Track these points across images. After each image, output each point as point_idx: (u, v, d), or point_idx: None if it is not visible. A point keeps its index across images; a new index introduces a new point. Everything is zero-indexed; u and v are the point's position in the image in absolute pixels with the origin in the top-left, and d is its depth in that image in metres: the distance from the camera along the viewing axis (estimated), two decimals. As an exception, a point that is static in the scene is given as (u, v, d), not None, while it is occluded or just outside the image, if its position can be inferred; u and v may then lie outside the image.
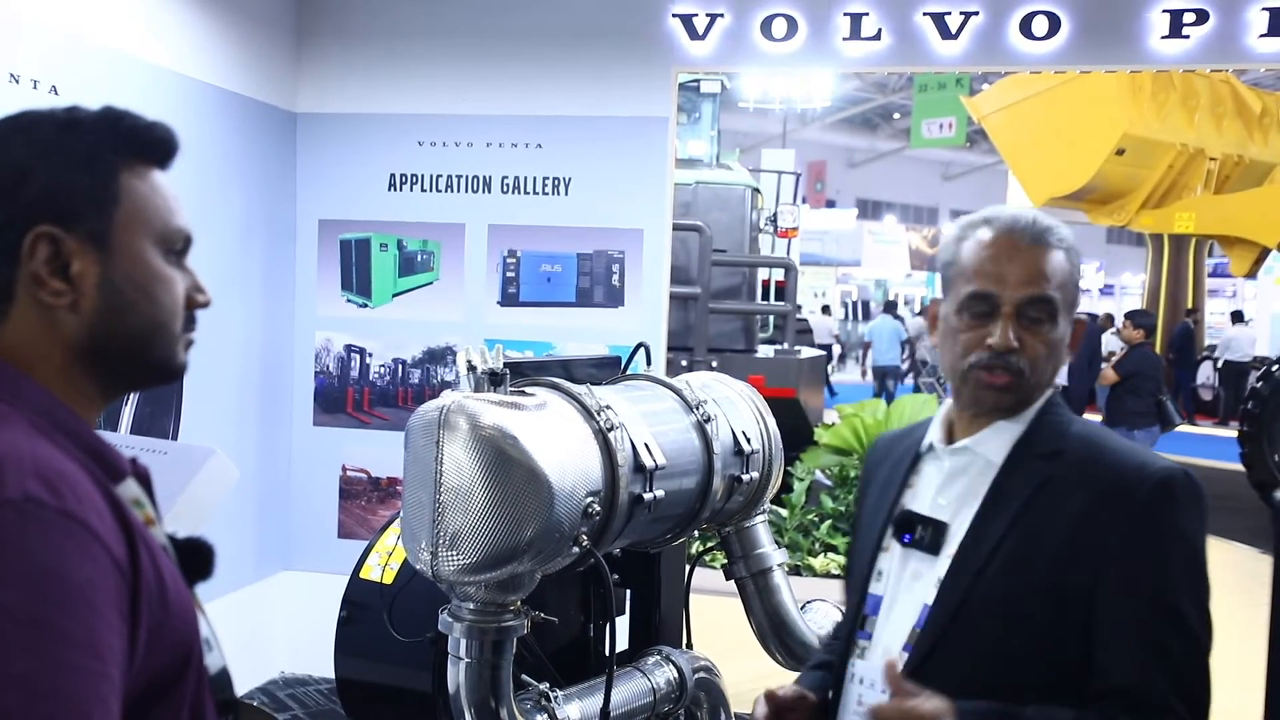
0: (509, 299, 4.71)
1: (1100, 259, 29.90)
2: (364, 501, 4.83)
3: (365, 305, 4.77)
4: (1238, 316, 18.01)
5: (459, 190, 4.70)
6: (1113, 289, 29.17)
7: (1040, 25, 4.34)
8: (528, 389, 2.06)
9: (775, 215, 7.44)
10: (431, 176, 4.71)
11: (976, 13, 4.38)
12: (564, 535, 1.90)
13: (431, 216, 4.71)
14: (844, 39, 4.48)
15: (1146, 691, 1.35)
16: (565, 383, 2.08)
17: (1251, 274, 11.13)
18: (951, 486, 1.56)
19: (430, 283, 4.74)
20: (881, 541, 1.61)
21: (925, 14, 4.41)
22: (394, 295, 4.75)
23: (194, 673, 1.01)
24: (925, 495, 1.59)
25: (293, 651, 4.76)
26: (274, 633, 4.71)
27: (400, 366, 4.76)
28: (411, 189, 4.72)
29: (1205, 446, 12.76)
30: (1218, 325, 20.36)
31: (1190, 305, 16.34)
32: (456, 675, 2.00)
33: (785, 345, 6.85)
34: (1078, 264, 1.55)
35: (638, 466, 2.04)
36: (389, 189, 4.71)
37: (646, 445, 2.07)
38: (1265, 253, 10.39)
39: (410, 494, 1.94)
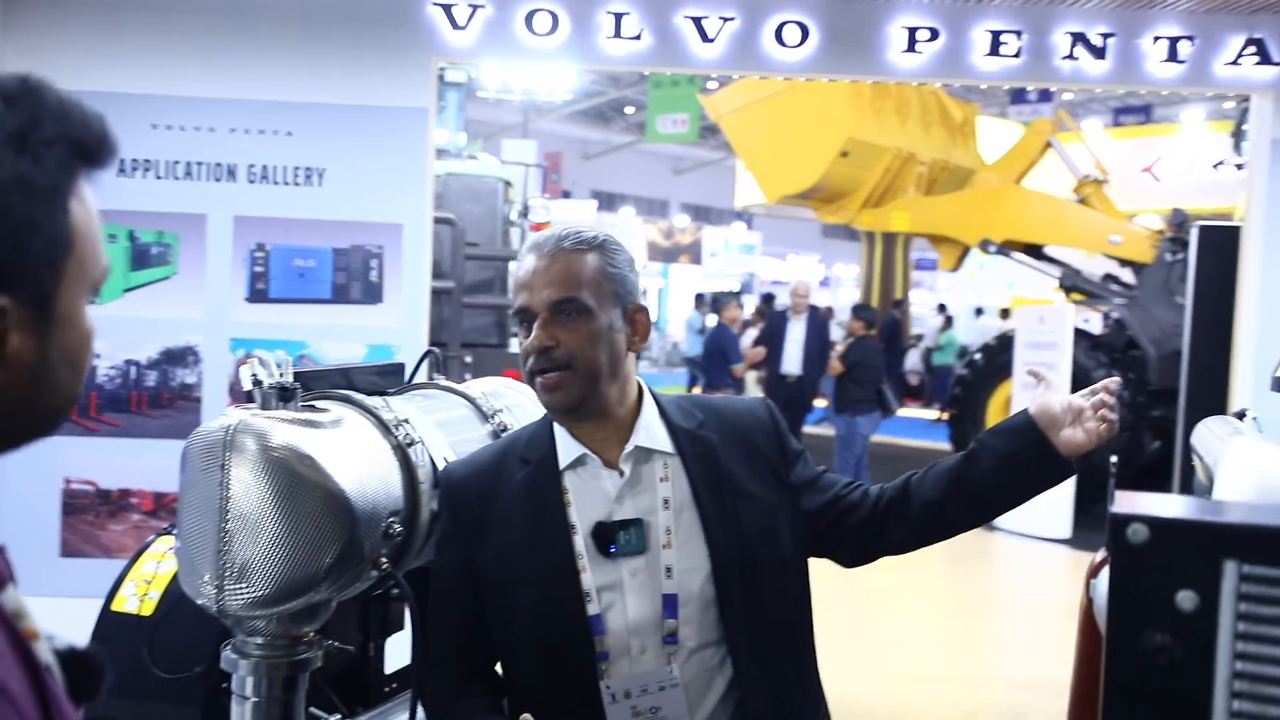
0: (257, 295, 4.43)
1: (819, 252, 31.75)
2: (92, 516, 4.41)
3: (91, 302, 4.34)
4: (941, 308, 19.63)
5: (199, 178, 4.37)
6: (829, 280, 31.04)
7: (792, 34, 4.52)
8: (318, 403, 1.92)
9: (527, 208, 7.40)
10: (167, 163, 4.35)
11: (733, 18, 4.51)
12: (364, 559, 1.79)
13: (168, 206, 4.35)
14: (607, 37, 4.50)
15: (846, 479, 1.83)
16: (359, 396, 1.96)
17: (956, 269, 12.15)
18: (640, 487, 1.70)
19: (167, 277, 4.38)
20: (574, 565, 1.65)
21: (686, 17, 4.50)
22: (125, 291, 4.35)
23: None
24: (602, 503, 1.68)
25: (9, 686, 4.29)
26: (-14, 667, 4.22)
27: (133, 368, 4.38)
28: (145, 175, 4.34)
29: (916, 429, 13.83)
30: (921, 315, 22.06)
31: (899, 297, 17.64)
32: (242, 717, 1.84)
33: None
34: (617, 259, 1.71)
35: (437, 481, 1.95)
36: (119, 174, 4.31)
37: (446, 459, 1.98)
38: (968, 250, 11.35)
39: (190, 522, 1.76)
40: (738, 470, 1.74)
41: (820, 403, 10.84)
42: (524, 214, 7.35)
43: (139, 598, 2.33)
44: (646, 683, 1.63)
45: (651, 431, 1.73)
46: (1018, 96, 18.94)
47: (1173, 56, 4.57)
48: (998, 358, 9.65)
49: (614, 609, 1.65)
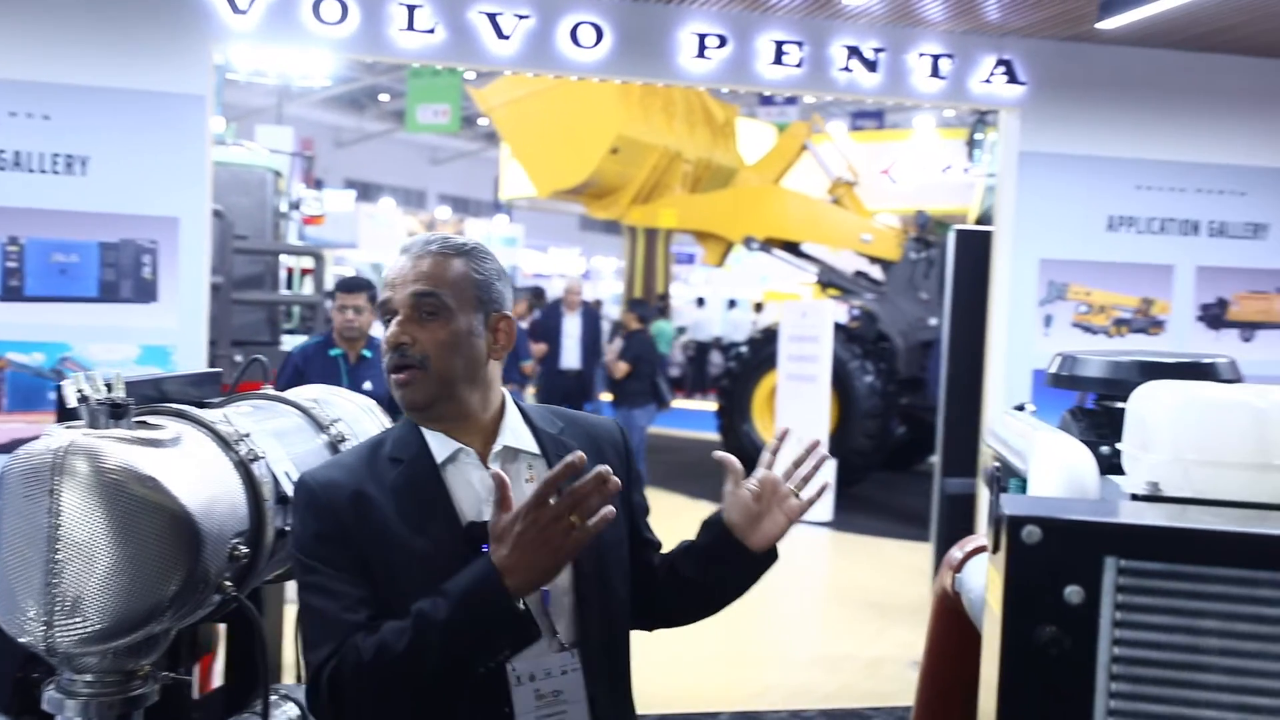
0: (10, 293, 4.06)
1: (579, 245, 32.08)
2: None
3: None
4: (701, 301, 20.27)
5: (-59, 164, 3.95)
6: (589, 273, 31.42)
7: (587, 35, 4.56)
8: (149, 419, 1.78)
9: (299, 200, 7.09)
10: (-99, 145, 3.91)
11: (528, 16, 4.50)
12: (210, 584, 1.68)
13: (-97, 194, 3.91)
14: (399, 29, 4.39)
15: (658, 540, 1.88)
16: (196, 410, 1.83)
17: (721, 264, 12.59)
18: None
19: (-98, 273, 3.94)
20: (463, 557, 1.62)
21: (480, 12, 4.45)
22: None
23: None
24: (474, 502, 1.67)
25: None
26: None
27: None
28: (-127, 159, 3.88)
29: (683, 419, 14.24)
30: (680, 308, 22.72)
31: (661, 290, 18.08)
32: (68, 761, 1.69)
33: (316, 336, 6.56)
34: (484, 267, 1.70)
35: (280, 497, 1.86)
36: None
37: (287, 473, 1.89)
38: (731, 245, 11.78)
39: (10, 554, 1.60)
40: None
41: (606, 397, 10.97)
42: (295, 206, 7.04)
43: (-84, 636, 2.10)
44: (550, 666, 1.65)
45: (518, 433, 1.74)
46: (766, 98, 19.77)
47: (935, 72, 4.92)
48: (763, 350, 10.07)
49: None
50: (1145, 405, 1.49)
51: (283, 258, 6.95)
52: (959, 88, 4.99)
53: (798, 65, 4.78)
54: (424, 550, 1.63)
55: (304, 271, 7.23)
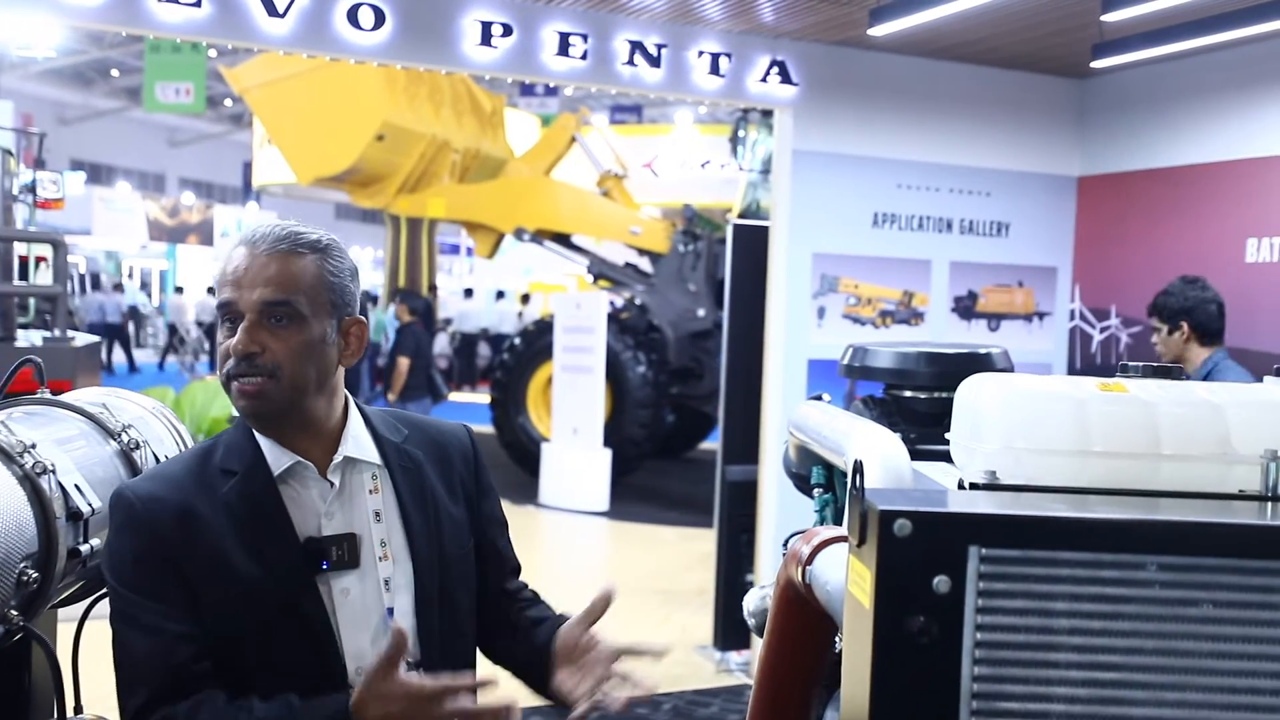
0: None
1: (335, 235, 31.12)
2: None
3: None
4: (468, 293, 20.03)
5: None
6: (348, 264, 30.47)
7: (366, 16, 4.39)
8: (-89, 431, 1.56)
9: (34, 182, 6.45)
10: None
11: (303, -6, 4.28)
12: (-6, 615, 1.50)
13: None
14: (158, 0, 4.07)
15: (516, 560, 1.85)
16: (-33, 421, 1.62)
17: (492, 255, 12.47)
18: (349, 499, 1.61)
19: None
20: (313, 582, 1.56)
21: (252, -13, 4.19)
22: None
23: None
24: (312, 517, 1.58)
25: None
26: None
27: None
28: None
29: (453, 412, 14.03)
30: (445, 299, 22.40)
31: (432, 282, 17.76)
32: None
33: (57, 331, 5.98)
34: (339, 267, 1.59)
35: (71, 514, 1.67)
36: None
37: (78, 486, 1.71)
38: (502, 237, 11.68)
39: None
40: (440, 489, 1.70)
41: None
42: (30, 188, 6.42)
43: None
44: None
45: (360, 442, 1.64)
46: (526, 88, 19.74)
47: (715, 70, 5.04)
48: (537, 341, 10.06)
49: (331, 631, 1.56)
50: (975, 396, 1.56)
51: (16, 245, 6.32)
52: (737, 86, 5.13)
53: (582, 58, 4.78)
54: (259, 574, 1.51)
55: (39, 260, 6.61)
